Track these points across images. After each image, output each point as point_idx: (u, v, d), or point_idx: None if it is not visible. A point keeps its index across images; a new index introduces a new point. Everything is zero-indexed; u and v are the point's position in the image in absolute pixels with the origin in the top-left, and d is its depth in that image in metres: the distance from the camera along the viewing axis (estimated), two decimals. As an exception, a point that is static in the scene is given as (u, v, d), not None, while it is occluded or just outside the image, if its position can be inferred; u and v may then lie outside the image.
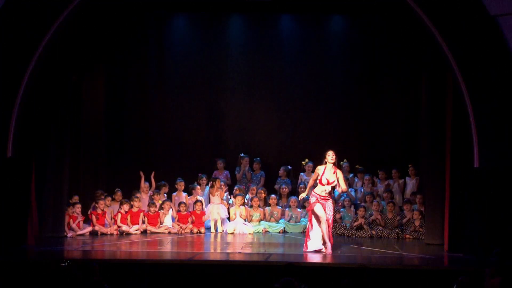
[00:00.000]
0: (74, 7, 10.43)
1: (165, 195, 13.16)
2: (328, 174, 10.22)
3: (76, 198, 12.44)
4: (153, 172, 13.04)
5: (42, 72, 10.78)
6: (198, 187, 13.16)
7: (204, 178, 13.34)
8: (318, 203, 10.24)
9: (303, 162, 13.52)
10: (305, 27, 14.10)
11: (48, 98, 11.43)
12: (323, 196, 10.26)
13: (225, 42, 14.11)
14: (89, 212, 12.46)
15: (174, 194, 13.17)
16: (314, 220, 10.34)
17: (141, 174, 12.95)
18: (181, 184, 13.13)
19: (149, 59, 14.12)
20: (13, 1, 10.27)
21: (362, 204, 12.85)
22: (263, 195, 13.17)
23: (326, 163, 10.29)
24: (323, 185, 10.23)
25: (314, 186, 10.42)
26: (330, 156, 10.26)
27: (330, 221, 10.34)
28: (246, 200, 13.10)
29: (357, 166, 13.44)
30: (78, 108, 12.82)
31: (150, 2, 13.16)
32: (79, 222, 12.15)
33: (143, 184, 13.00)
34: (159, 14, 13.98)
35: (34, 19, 10.37)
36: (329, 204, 10.30)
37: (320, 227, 10.29)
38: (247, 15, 14.08)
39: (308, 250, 10.30)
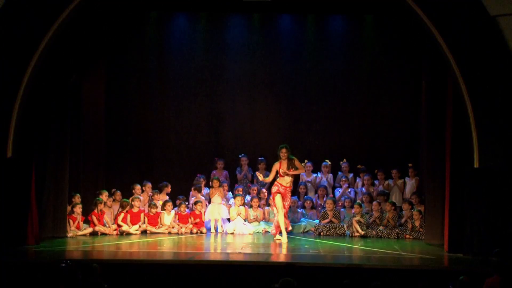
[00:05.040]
0: (74, 7, 10.43)
1: (167, 195, 13.17)
2: (284, 166, 11.48)
3: (76, 199, 12.42)
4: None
5: (42, 72, 10.78)
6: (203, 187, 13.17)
7: (202, 179, 13.34)
8: (279, 194, 11.46)
9: (303, 164, 13.50)
10: (305, 27, 14.08)
11: (48, 98, 11.43)
12: (284, 186, 11.47)
13: (225, 42, 14.11)
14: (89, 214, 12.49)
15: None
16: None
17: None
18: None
19: (149, 59, 14.11)
20: (13, 1, 10.27)
21: (358, 201, 12.86)
22: (266, 195, 13.16)
23: (280, 159, 11.53)
24: (282, 176, 11.46)
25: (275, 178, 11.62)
26: (283, 153, 11.50)
27: (285, 210, 11.59)
28: (246, 201, 13.10)
29: (358, 166, 13.44)
30: (78, 108, 12.80)
31: (150, 2, 13.15)
32: (78, 222, 12.15)
33: (144, 188, 13.05)
34: (159, 14, 13.98)
35: (34, 19, 10.37)
36: (288, 195, 11.59)
37: (279, 217, 11.47)
38: (247, 15, 14.07)
39: (281, 240, 11.44)
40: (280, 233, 11.59)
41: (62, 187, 11.80)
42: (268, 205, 13.11)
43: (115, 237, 12.24)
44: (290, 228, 11.87)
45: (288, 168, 11.50)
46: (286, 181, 11.54)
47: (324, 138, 13.98)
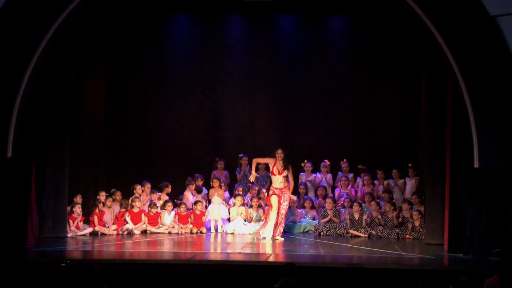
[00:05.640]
0: (74, 6, 10.43)
1: (167, 195, 13.16)
2: (278, 166, 11.65)
3: (77, 199, 12.41)
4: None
5: (42, 72, 10.77)
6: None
7: (200, 179, 13.34)
8: (274, 195, 11.62)
9: (302, 164, 13.52)
10: (305, 27, 14.09)
11: (48, 98, 11.42)
12: (279, 189, 11.60)
13: (225, 42, 14.11)
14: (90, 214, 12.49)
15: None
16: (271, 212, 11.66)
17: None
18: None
19: (149, 59, 14.11)
20: (13, 1, 10.26)
21: (359, 200, 12.86)
22: (266, 195, 13.14)
23: (275, 157, 11.71)
24: (275, 175, 11.65)
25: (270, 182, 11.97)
26: (279, 153, 11.64)
27: (284, 211, 11.66)
28: (246, 200, 13.10)
29: (359, 166, 13.43)
30: (78, 108, 12.79)
31: (150, 2, 13.15)
32: (78, 223, 12.15)
33: (143, 188, 13.06)
34: (159, 14, 13.97)
35: (34, 19, 10.36)
36: (285, 196, 11.67)
37: (270, 214, 11.60)
38: (247, 15, 14.07)
39: (262, 236, 11.66)
40: (282, 234, 11.71)
41: (62, 187, 11.79)
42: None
43: (115, 237, 12.24)
44: (277, 236, 11.66)
45: (282, 169, 11.65)
46: (278, 182, 11.68)
47: (324, 138, 13.97)
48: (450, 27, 10.13)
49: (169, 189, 13.23)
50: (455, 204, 10.61)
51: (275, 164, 11.71)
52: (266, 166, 13.19)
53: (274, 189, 11.72)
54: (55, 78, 11.50)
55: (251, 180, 12.19)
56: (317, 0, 13.03)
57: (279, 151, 11.72)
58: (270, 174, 11.88)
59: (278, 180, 11.69)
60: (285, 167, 11.67)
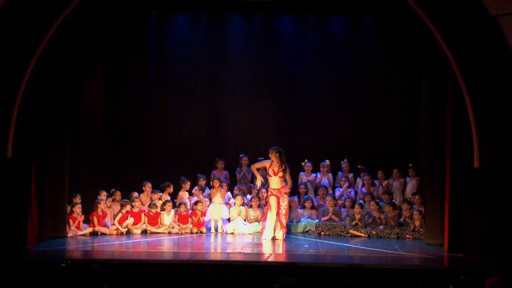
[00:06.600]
0: (74, 6, 10.43)
1: (169, 195, 13.17)
2: (274, 167, 11.64)
3: (77, 199, 12.41)
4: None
5: (42, 72, 10.77)
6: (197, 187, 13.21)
7: (202, 179, 13.35)
8: (272, 196, 11.63)
9: (302, 163, 13.53)
10: (305, 27, 14.09)
11: (48, 98, 11.42)
12: (276, 189, 11.61)
13: (225, 42, 14.11)
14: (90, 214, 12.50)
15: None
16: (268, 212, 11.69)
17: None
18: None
19: (149, 59, 14.11)
20: (13, 1, 10.27)
21: (360, 201, 12.86)
22: (265, 195, 13.15)
23: (271, 158, 11.71)
24: (271, 176, 11.66)
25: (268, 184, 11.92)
26: (275, 157, 11.63)
27: (285, 210, 11.67)
28: (246, 200, 13.10)
29: (359, 166, 13.44)
30: (78, 108, 12.80)
31: (150, 2, 13.15)
32: (78, 222, 12.16)
33: (144, 187, 13.07)
34: (159, 14, 13.98)
35: (34, 18, 10.36)
36: (284, 196, 11.69)
37: (270, 215, 11.57)
38: (247, 15, 14.08)
39: (263, 237, 11.61)
40: (282, 233, 11.72)
41: (62, 187, 11.80)
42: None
43: (115, 237, 12.24)
44: (277, 235, 11.69)
45: (277, 170, 11.64)
46: (274, 183, 11.67)
47: (324, 138, 13.97)
48: (450, 27, 10.14)
49: (171, 189, 13.22)
50: (455, 204, 10.61)
51: (271, 165, 11.71)
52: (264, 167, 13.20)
53: (271, 190, 11.73)
54: (55, 78, 11.50)
55: (258, 185, 12.13)
56: (317, 0, 13.02)
57: (277, 155, 11.69)
58: (267, 176, 11.88)
59: (274, 181, 11.68)
60: (280, 168, 11.65)
